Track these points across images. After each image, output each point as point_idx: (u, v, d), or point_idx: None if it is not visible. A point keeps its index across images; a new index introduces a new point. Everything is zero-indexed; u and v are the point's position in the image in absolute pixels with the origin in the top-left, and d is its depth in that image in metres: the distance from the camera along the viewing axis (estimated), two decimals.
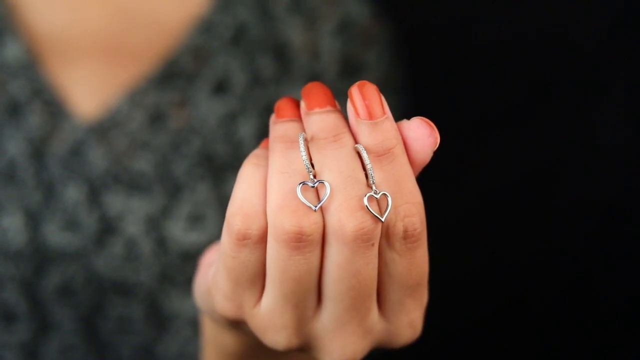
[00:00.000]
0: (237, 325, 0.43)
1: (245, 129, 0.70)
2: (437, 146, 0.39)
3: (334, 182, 0.37)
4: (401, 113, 0.78)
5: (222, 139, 0.70)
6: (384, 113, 0.38)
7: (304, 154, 0.37)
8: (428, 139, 0.38)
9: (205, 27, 0.71)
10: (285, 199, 0.37)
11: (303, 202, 0.37)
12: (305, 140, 0.38)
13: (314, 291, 0.39)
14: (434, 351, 1.04)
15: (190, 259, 0.67)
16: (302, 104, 0.40)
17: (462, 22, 0.98)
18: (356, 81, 0.77)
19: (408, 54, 0.82)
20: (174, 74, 0.70)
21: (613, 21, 0.97)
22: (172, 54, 0.70)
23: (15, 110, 0.69)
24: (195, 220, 0.68)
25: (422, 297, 0.41)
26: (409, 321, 0.41)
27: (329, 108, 0.39)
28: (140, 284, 0.68)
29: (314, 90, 0.40)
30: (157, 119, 0.69)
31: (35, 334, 0.69)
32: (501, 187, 1.00)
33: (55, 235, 0.67)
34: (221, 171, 0.69)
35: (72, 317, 0.69)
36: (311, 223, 0.37)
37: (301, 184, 0.37)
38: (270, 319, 0.40)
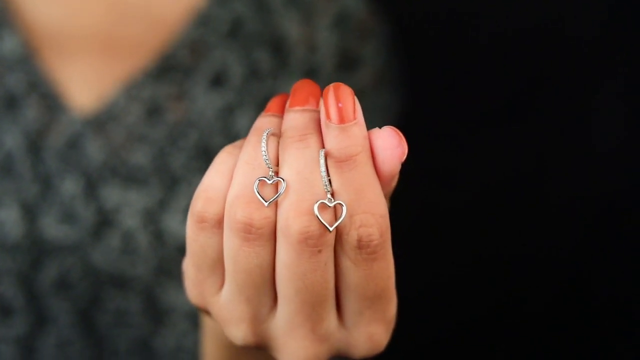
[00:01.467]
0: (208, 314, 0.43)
1: (242, 122, 0.70)
2: (404, 157, 0.38)
3: (290, 181, 0.37)
4: (397, 107, 0.78)
5: (219, 132, 0.70)
6: (355, 118, 0.37)
7: (264, 148, 0.38)
8: (396, 150, 0.38)
9: (202, 21, 0.71)
10: (243, 189, 0.38)
11: (258, 198, 0.37)
12: (274, 135, 0.38)
13: (269, 289, 0.39)
14: (427, 350, 1.04)
15: None
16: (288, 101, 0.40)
17: (459, 17, 0.98)
18: (353, 75, 0.77)
19: (404, 48, 0.82)
20: (171, 68, 0.70)
21: (609, 17, 0.98)
22: (169, 47, 0.70)
23: (12, 103, 0.69)
24: None
25: (385, 311, 0.40)
26: (367, 334, 0.41)
27: (306, 107, 0.39)
28: (137, 277, 0.68)
29: (300, 88, 0.40)
30: (154, 112, 0.69)
31: (32, 328, 0.70)
32: (495, 184, 1.00)
33: (52, 228, 0.68)
34: None
35: (69, 311, 0.69)
36: (261, 217, 0.37)
37: (259, 179, 0.37)
38: (227, 310, 0.40)
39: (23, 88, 0.69)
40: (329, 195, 0.37)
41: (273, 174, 0.38)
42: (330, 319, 0.40)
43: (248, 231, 0.37)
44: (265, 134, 0.38)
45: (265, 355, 0.48)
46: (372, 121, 0.41)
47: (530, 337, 1.06)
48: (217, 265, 0.40)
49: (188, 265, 0.41)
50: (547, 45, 0.99)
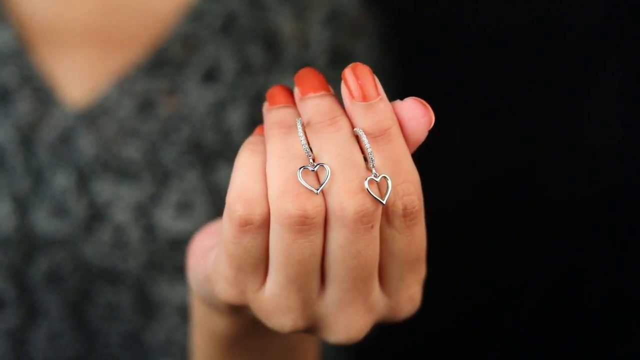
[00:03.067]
0: (238, 310, 0.43)
1: (235, 117, 0.70)
2: (432, 125, 0.39)
3: (333, 165, 0.38)
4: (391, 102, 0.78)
5: (211, 127, 0.70)
6: (378, 94, 0.38)
7: (302, 138, 0.38)
8: (423, 119, 0.39)
9: (195, 16, 0.71)
10: (286, 183, 0.38)
11: (304, 186, 0.37)
12: (302, 125, 0.38)
13: (318, 273, 0.40)
14: (423, 346, 1.05)
15: (179, 246, 0.67)
16: (296, 90, 0.40)
17: (452, 13, 0.98)
18: None
19: (397, 44, 0.82)
20: (164, 62, 0.70)
21: (605, 15, 0.98)
22: (162, 41, 0.70)
23: (4, 97, 0.69)
24: (184, 208, 0.68)
25: (421, 272, 0.42)
26: (409, 296, 0.42)
27: (323, 92, 0.39)
28: (128, 271, 0.68)
29: (307, 76, 0.40)
30: (146, 106, 0.69)
31: (23, 321, 0.70)
32: (490, 181, 1.00)
33: (43, 221, 0.68)
34: (210, 159, 0.69)
35: (60, 304, 0.69)
36: (314, 206, 0.37)
37: (301, 168, 0.38)
38: (275, 302, 0.40)
39: (15, 81, 0.69)
40: (374, 171, 0.38)
41: (312, 161, 0.38)
42: (376, 289, 0.41)
43: (303, 223, 0.37)
44: (299, 123, 0.38)
45: (259, 346, 0.48)
46: None
47: (526, 333, 1.06)
48: (261, 263, 0.40)
49: (224, 267, 0.41)
50: (541, 43, 0.99)
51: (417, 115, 0.39)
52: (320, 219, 0.38)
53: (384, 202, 0.38)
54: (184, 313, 0.69)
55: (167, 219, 0.68)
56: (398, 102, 0.39)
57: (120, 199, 0.68)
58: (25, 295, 0.69)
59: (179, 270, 0.68)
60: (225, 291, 0.41)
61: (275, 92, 0.41)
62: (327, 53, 0.73)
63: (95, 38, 0.71)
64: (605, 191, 1.01)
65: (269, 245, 0.39)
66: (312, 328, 0.42)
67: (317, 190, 0.37)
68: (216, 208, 0.68)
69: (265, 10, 0.73)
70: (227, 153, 0.69)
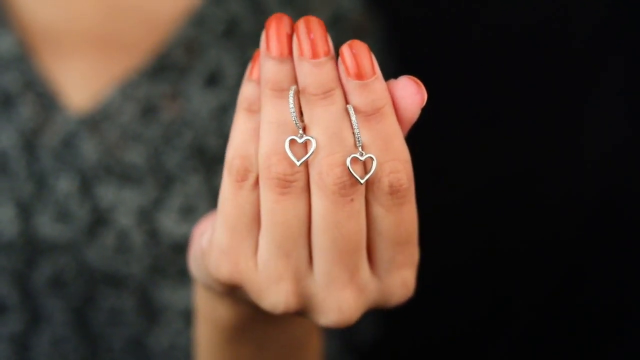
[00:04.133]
0: (232, 291, 0.43)
1: None
2: (424, 103, 0.39)
3: (320, 138, 0.38)
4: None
5: (214, 131, 0.70)
6: (374, 73, 0.38)
7: (293, 109, 0.38)
8: (416, 96, 0.39)
9: (198, 20, 0.72)
10: (273, 147, 0.39)
11: (290, 158, 0.38)
12: (297, 92, 0.39)
13: (305, 242, 0.40)
14: (423, 348, 1.04)
15: (182, 251, 0.67)
16: (295, 45, 0.39)
17: (454, 16, 0.98)
18: None
19: (399, 48, 0.82)
20: (166, 67, 0.70)
21: (607, 14, 0.98)
22: (164, 46, 0.71)
23: (7, 102, 0.69)
24: (187, 212, 0.68)
25: (413, 255, 0.42)
26: (401, 280, 0.42)
27: (323, 59, 0.39)
28: (131, 275, 0.69)
29: (310, 32, 0.39)
30: (149, 111, 0.69)
31: (27, 326, 0.70)
32: (490, 183, 1.00)
33: (46, 226, 0.68)
34: (213, 163, 0.70)
35: (63, 309, 0.69)
36: (295, 171, 0.39)
37: (289, 139, 0.38)
38: (266, 271, 0.41)
39: (18, 87, 0.69)
40: (360, 149, 0.38)
41: (302, 132, 0.39)
42: (365, 268, 0.41)
43: (283, 186, 0.39)
44: (292, 93, 0.39)
45: (263, 337, 0.48)
46: None
47: (528, 336, 1.06)
48: (254, 224, 0.41)
49: (220, 232, 0.41)
50: (544, 46, 0.99)
51: (410, 93, 0.39)
52: (301, 184, 0.39)
53: (362, 181, 0.38)
54: (187, 318, 0.69)
55: (170, 224, 0.68)
56: (392, 81, 0.39)
57: (123, 203, 0.68)
58: (28, 300, 0.69)
59: (182, 275, 0.69)
60: (219, 263, 0.42)
61: (273, 34, 0.39)
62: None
63: (98, 43, 0.71)
64: (608, 192, 1.01)
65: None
66: (304, 307, 0.42)
67: (299, 162, 0.38)
68: None
69: (267, 14, 0.73)
70: None
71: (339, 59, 0.39)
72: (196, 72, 0.71)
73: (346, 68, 0.38)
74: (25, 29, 0.71)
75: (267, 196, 0.39)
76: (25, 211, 0.67)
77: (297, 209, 0.39)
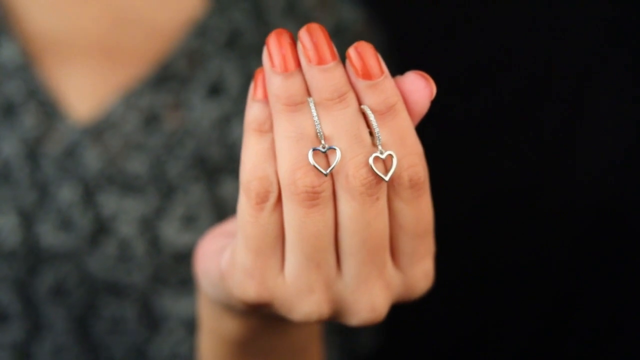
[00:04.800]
0: (259, 310, 0.43)
1: (239, 131, 0.71)
2: (434, 96, 0.40)
3: (341, 143, 0.39)
4: None
5: (216, 141, 0.70)
6: (383, 72, 0.39)
7: (317, 122, 0.39)
8: (425, 90, 0.40)
9: (200, 31, 0.72)
10: (296, 162, 0.39)
11: (315, 166, 0.39)
12: (314, 103, 0.39)
13: (333, 248, 0.41)
14: (421, 356, 1.04)
15: (184, 259, 0.67)
16: (302, 53, 0.39)
17: (455, 28, 0.98)
18: None
19: (401, 59, 0.83)
20: (169, 77, 0.70)
21: (609, 13, 0.98)
22: (167, 56, 0.71)
23: (10, 110, 0.69)
24: (189, 221, 0.68)
25: (431, 245, 0.43)
26: (423, 271, 0.43)
27: (331, 64, 0.39)
28: (133, 284, 0.69)
29: (315, 39, 0.39)
30: (151, 120, 0.70)
31: (28, 334, 0.70)
32: (491, 192, 1.01)
33: (49, 235, 0.68)
34: (215, 173, 0.70)
35: (65, 317, 0.69)
36: (322, 181, 0.39)
37: (312, 150, 0.39)
38: (296, 285, 0.41)
39: (21, 96, 0.69)
40: (380, 148, 0.39)
41: (324, 142, 0.39)
42: (390, 264, 0.42)
43: (313, 198, 0.39)
44: (312, 104, 0.39)
45: (267, 349, 0.48)
46: None
47: (527, 347, 1.06)
48: (278, 242, 0.41)
49: (242, 255, 0.41)
50: (542, 58, 0.99)
51: (419, 88, 0.39)
52: (329, 192, 0.39)
53: (387, 178, 0.39)
54: (188, 326, 0.70)
55: (172, 233, 0.68)
56: (399, 77, 0.40)
57: (125, 212, 0.68)
58: (30, 308, 0.69)
59: (183, 284, 0.69)
60: (244, 284, 0.41)
61: (275, 50, 0.39)
62: None
63: (101, 53, 0.71)
64: (610, 201, 1.01)
65: (283, 226, 0.40)
66: (335, 312, 0.42)
67: (327, 172, 0.39)
68: (221, 221, 0.69)
69: (269, 25, 0.73)
70: (232, 167, 0.70)
71: (347, 62, 0.39)
72: (198, 82, 0.71)
73: (355, 69, 0.39)
74: (28, 38, 0.71)
75: (296, 213, 0.39)
76: (27, 220, 0.68)
77: (326, 219, 0.39)
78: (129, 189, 0.68)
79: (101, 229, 0.68)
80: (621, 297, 1.03)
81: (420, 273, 0.43)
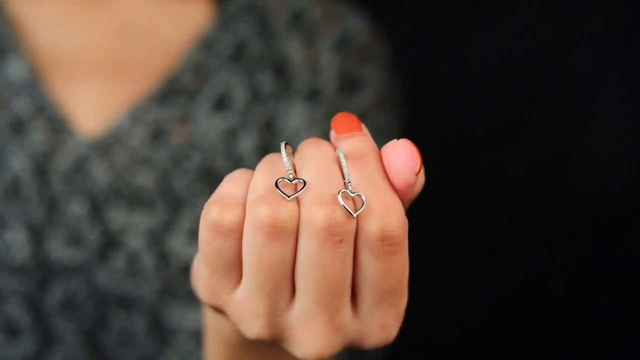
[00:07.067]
0: (219, 311, 0.44)
1: (245, 144, 0.71)
2: (417, 169, 0.40)
3: (310, 179, 0.39)
4: (398, 128, 0.79)
5: (222, 154, 0.70)
6: (361, 129, 0.41)
7: (284, 156, 0.40)
8: (409, 162, 0.39)
9: (206, 45, 0.72)
10: (264, 191, 0.39)
11: (280, 194, 0.39)
12: (288, 147, 0.41)
13: (288, 282, 0.40)
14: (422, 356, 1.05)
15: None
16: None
17: (459, 39, 0.99)
18: (354, 97, 0.78)
19: (405, 69, 0.83)
20: (175, 91, 0.71)
21: (609, 14, 0.98)
22: (173, 71, 0.71)
23: (18, 127, 0.69)
24: (196, 234, 0.69)
25: (398, 304, 0.41)
26: (381, 325, 0.41)
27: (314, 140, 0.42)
28: (142, 297, 0.69)
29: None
30: (158, 135, 0.70)
31: (39, 348, 0.70)
32: (495, 201, 1.01)
33: (58, 250, 0.68)
34: None
35: (74, 331, 0.70)
36: (287, 211, 0.38)
37: (280, 179, 0.39)
38: (244, 306, 0.41)
39: (29, 112, 0.70)
40: (350, 187, 0.39)
41: (293, 176, 0.40)
42: (346, 310, 0.41)
43: (274, 226, 0.38)
44: (284, 143, 0.40)
45: (269, 353, 0.49)
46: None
47: (529, 353, 1.06)
48: (233, 266, 0.41)
49: (201, 267, 0.42)
50: (544, 67, 1.00)
51: (405, 157, 0.39)
52: (292, 225, 0.39)
53: (355, 214, 0.38)
54: (197, 339, 0.70)
55: (180, 246, 0.68)
56: (390, 142, 0.40)
57: (133, 226, 0.69)
58: (40, 322, 0.69)
59: (192, 296, 0.69)
60: (202, 291, 0.42)
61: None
62: (337, 79, 0.74)
63: (108, 68, 0.72)
64: (612, 206, 1.01)
65: (242, 251, 0.40)
66: (278, 339, 0.42)
67: (290, 196, 0.38)
68: None
69: (274, 38, 0.74)
70: None
71: (331, 126, 0.41)
72: (205, 96, 0.71)
73: (335, 130, 0.41)
74: (36, 55, 0.71)
75: (254, 240, 0.39)
76: (37, 235, 0.68)
77: (284, 253, 0.39)
78: (136, 203, 0.69)
79: (110, 243, 0.68)
80: (622, 301, 1.03)
81: (377, 326, 0.41)
